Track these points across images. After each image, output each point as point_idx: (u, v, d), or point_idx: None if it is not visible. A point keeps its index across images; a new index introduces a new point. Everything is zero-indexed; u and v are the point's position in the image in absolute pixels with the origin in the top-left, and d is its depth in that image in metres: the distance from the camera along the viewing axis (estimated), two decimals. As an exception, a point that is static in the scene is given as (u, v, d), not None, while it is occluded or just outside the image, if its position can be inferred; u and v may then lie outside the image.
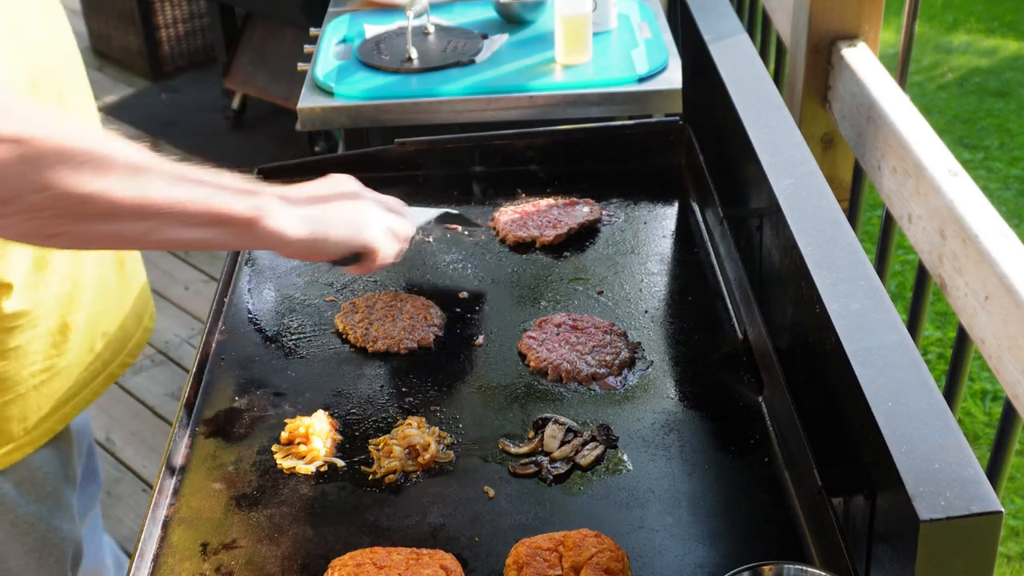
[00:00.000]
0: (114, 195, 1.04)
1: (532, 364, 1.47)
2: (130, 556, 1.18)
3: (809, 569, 1.05)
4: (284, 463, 1.33)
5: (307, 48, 2.36)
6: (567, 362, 1.45)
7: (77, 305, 1.58)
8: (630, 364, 1.47)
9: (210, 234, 1.14)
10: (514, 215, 1.81)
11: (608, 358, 1.46)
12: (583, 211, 1.80)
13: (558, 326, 1.53)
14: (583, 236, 1.77)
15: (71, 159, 0.99)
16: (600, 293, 1.63)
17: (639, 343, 1.51)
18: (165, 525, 1.26)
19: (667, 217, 1.83)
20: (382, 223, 1.39)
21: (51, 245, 1.08)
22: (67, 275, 1.54)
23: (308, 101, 2.12)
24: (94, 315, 1.62)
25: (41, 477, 1.60)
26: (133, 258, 1.80)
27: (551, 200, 1.84)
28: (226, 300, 1.65)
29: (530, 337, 1.52)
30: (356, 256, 1.36)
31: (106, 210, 1.04)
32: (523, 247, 1.76)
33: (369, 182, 1.48)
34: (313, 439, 1.34)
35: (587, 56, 2.17)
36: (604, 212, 1.83)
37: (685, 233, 1.78)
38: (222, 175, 1.17)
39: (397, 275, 1.70)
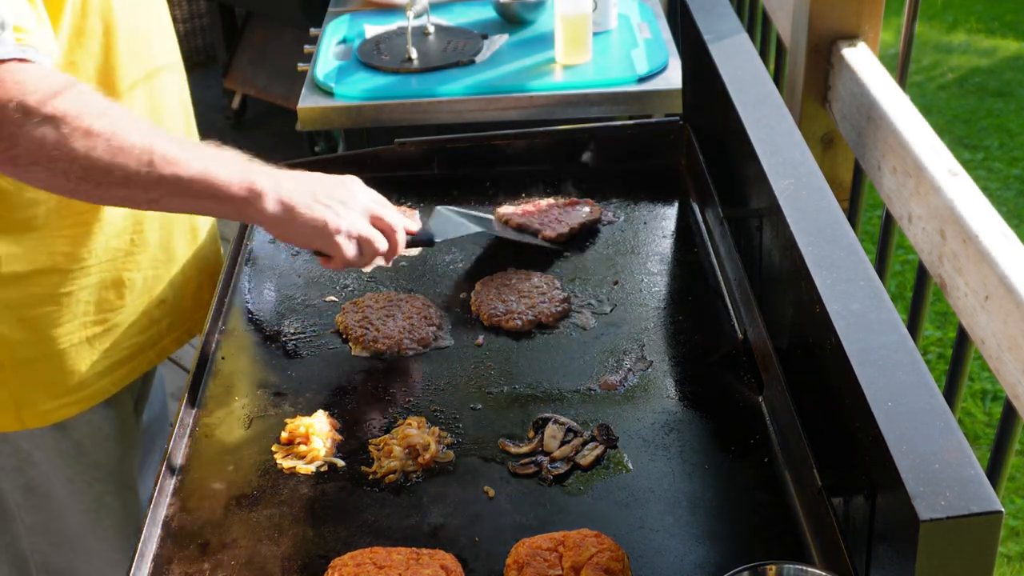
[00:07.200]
0: (129, 169, 1.23)
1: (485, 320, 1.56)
2: (131, 556, 1.19)
3: (809, 569, 1.05)
4: (284, 463, 1.33)
5: (307, 48, 2.37)
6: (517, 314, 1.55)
7: (134, 264, 1.57)
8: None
9: (209, 206, 1.33)
10: (514, 215, 1.81)
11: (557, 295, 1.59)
12: (583, 211, 1.80)
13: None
14: (583, 236, 1.77)
15: (96, 136, 1.20)
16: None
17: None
18: (165, 525, 1.26)
19: (667, 217, 1.83)
20: (352, 229, 1.41)
21: (71, 196, 1.27)
22: (125, 230, 1.54)
23: (308, 101, 2.12)
24: (152, 279, 1.62)
25: (101, 437, 1.61)
26: (211, 236, 1.78)
27: (551, 200, 1.84)
28: (226, 300, 1.65)
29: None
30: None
31: (120, 180, 1.23)
32: (523, 247, 1.76)
33: (369, 182, 1.49)
34: (313, 439, 1.34)
35: (587, 56, 2.17)
36: (604, 212, 1.83)
37: (685, 233, 1.78)
38: (224, 152, 1.35)
39: (397, 275, 1.70)
